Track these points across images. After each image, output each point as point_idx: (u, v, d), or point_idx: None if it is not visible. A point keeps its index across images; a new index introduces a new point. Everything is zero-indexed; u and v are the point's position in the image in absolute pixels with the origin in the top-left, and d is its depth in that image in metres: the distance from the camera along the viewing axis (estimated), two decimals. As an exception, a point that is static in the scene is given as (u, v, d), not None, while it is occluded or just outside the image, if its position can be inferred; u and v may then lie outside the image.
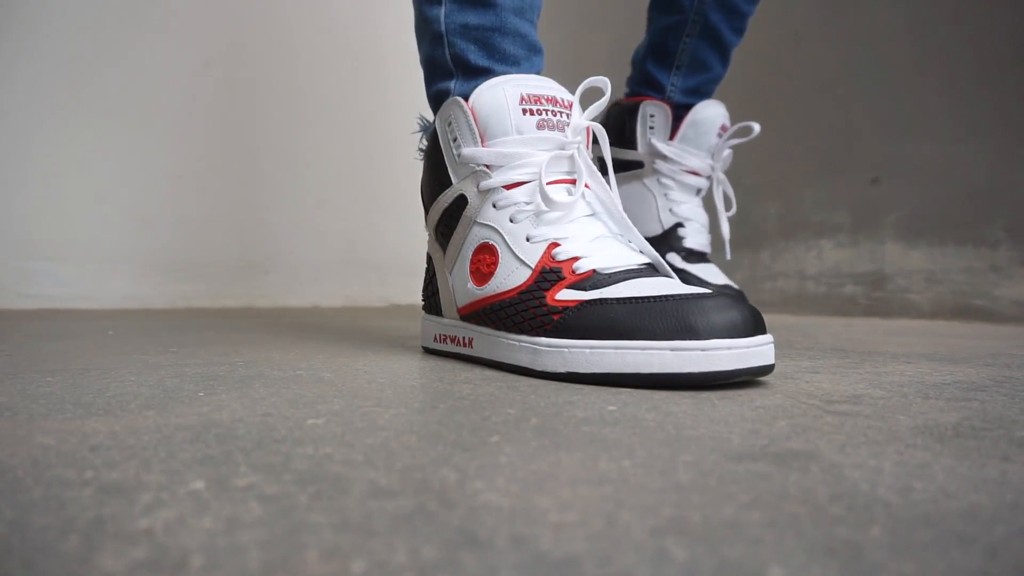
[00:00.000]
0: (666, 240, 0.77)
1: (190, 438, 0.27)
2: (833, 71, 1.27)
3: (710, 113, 0.78)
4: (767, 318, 1.18)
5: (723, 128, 0.78)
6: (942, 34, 1.13)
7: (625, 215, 0.48)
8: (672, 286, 0.41)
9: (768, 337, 0.40)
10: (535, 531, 0.17)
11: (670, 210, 0.77)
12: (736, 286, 0.77)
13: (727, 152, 0.80)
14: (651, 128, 0.79)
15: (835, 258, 1.26)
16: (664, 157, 0.78)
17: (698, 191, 0.79)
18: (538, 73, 0.55)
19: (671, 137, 0.79)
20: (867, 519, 0.18)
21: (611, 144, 0.76)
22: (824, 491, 0.21)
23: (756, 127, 0.75)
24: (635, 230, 0.48)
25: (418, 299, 1.53)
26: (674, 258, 0.76)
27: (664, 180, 0.78)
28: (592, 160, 0.50)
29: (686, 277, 0.74)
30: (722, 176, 0.80)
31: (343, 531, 0.17)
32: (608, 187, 0.49)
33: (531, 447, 0.26)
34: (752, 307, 0.40)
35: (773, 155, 1.36)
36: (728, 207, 0.80)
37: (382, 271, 1.54)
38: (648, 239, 0.77)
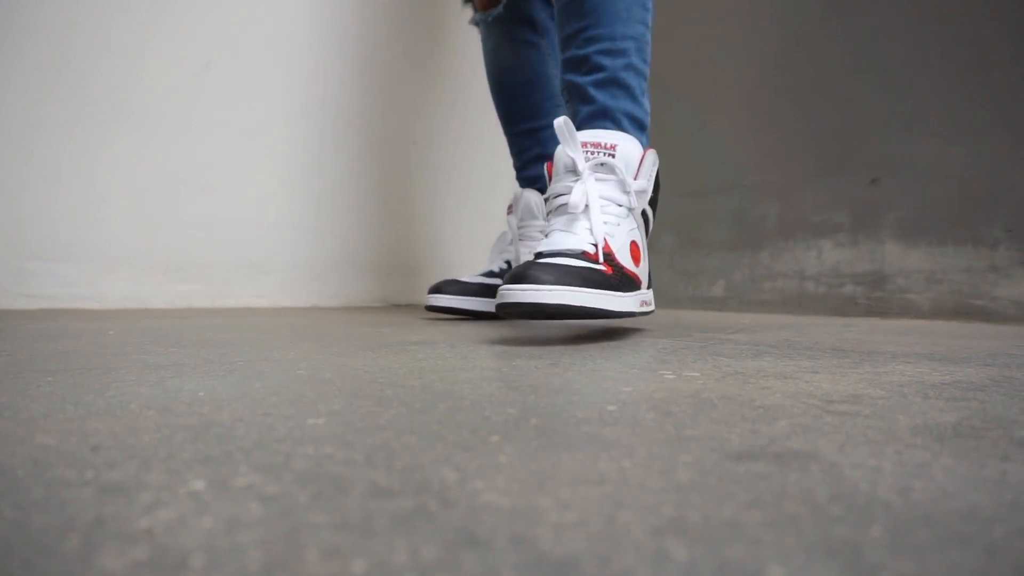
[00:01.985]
0: None
1: (190, 438, 0.27)
2: (833, 71, 1.27)
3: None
4: (767, 318, 1.17)
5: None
6: (942, 34, 1.13)
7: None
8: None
9: None
10: (535, 531, 0.17)
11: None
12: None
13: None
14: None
15: (835, 258, 1.26)
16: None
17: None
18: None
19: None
20: (867, 519, 0.18)
21: None
22: (824, 491, 0.21)
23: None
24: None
25: (416, 299, 1.53)
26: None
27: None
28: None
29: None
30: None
31: (343, 531, 0.17)
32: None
33: (531, 447, 0.26)
34: None
35: (773, 155, 1.36)
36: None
37: (381, 271, 1.54)
38: None
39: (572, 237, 0.67)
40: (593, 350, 0.59)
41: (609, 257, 0.66)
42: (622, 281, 0.67)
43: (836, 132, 1.26)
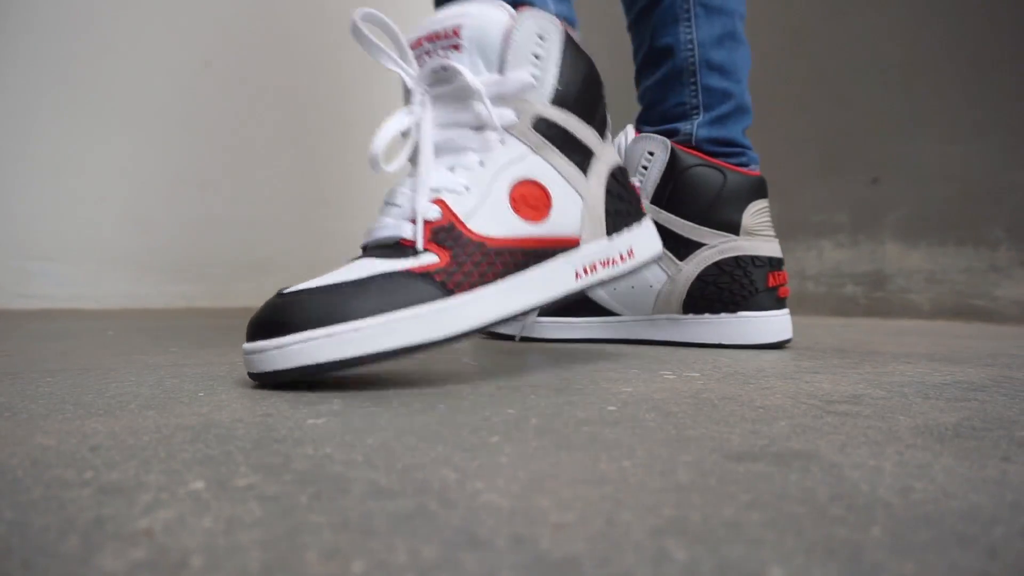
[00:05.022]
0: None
1: (190, 438, 0.27)
2: (833, 71, 1.27)
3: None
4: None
5: None
6: (942, 34, 1.13)
7: None
8: None
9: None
10: (535, 531, 0.17)
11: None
12: None
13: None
14: None
15: (835, 258, 1.26)
16: None
17: None
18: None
19: None
20: (867, 519, 0.18)
21: None
22: (824, 491, 0.21)
23: None
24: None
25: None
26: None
27: None
28: None
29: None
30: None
31: (343, 531, 0.17)
32: None
33: (531, 447, 0.26)
34: None
35: (773, 155, 1.36)
36: None
37: (382, 271, 1.54)
38: None
39: (389, 216, 0.42)
40: (593, 349, 0.59)
41: (444, 234, 0.40)
42: (474, 270, 0.39)
43: (836, 132, 1.26)
